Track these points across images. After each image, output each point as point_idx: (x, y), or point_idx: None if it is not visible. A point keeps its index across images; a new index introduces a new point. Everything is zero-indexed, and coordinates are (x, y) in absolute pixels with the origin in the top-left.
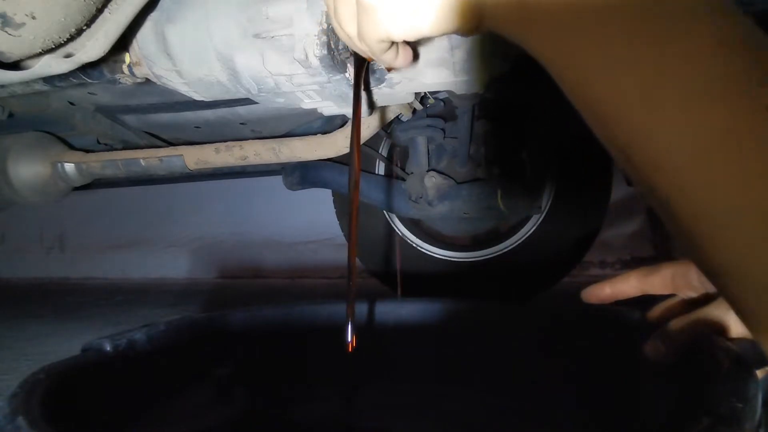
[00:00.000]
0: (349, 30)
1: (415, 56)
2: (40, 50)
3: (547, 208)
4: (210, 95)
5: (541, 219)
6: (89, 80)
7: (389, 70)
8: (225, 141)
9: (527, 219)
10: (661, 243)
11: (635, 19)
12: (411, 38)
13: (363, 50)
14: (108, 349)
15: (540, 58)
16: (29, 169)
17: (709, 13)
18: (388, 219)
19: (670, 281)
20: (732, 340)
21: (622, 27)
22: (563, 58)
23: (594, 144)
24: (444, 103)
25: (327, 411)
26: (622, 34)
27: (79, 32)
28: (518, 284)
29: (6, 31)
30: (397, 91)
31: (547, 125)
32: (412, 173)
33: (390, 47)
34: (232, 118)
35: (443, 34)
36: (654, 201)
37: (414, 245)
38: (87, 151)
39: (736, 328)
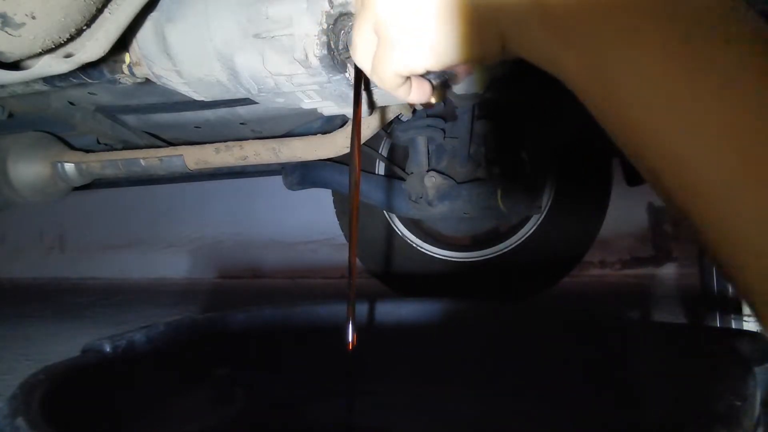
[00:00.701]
0: (363, 64)
1: (442, 90)
2: (40, 50)
3: (547, 208)
4: (210, 95)
5: (541, 219)
6: (89, 80)
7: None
8: (225, 141)
9: (527, 219)
10: (661, 243)
11: (679, 42)
12: (436, 68)
13: (377, 84)
14: (108, 350)
15: (568, 81)
16: (29, 169)
17: (753, 40)
18: (388, 219)
19: None
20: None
21: (663, 49)
22: (595, 80)
23: (594, 144)
24: (444, 103)
25: (327, 411)
26: (664, 58)
27: (79, 32)
28: (518, 284)
29: (6, 31)
30: None
31: (547, 125)
32: (412, 173)
33: (404, 82)
34: (232, 118)
35: (466, 63)
36: (685, 220)
37: (414, 245)
38: (87, 151)
39: None
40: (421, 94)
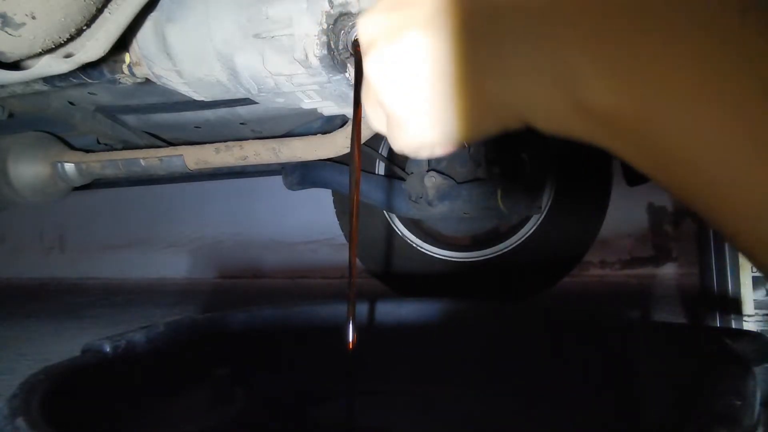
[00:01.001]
0: (380, 132)
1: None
2: (40, 50)
3: (547, 208)
4: (210, 95)
5: (541, 219)
6: (89, 80)
7: None
8: (225, 141)
9: (527, 219)
10: (661, 243)
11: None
12: (447, 145)
13: (398, 153)
14: (107, 350)
15: (619, 157)
16: (29, 169)
17: None
18: (388, 219)
19: None
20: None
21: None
22: (653, 156)
23: (593, 144)
24: None
25: (327, 411)
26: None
27: (79, 32)
28: (518, 284)
29: (6, 31)
30: None
31: None
32: (412, 173)
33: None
34: (232, 118)
35: (480, 139)
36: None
37: (414, 245)
38: (87, 151)
39: None
40: (448, 150)
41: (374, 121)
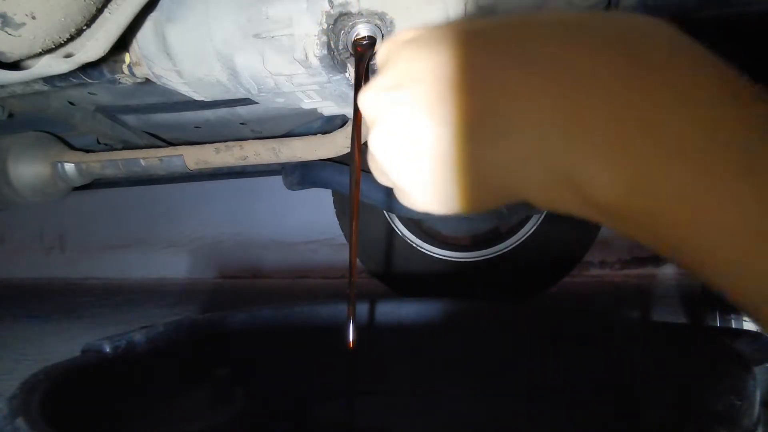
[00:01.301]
0: (387, 186)
1: None
2: (40, 50)
3: None
4: (210, 95)
5: (541, 219)
6: (89, 80)
7: None
8: (225, 141)
9: (527, 219)
10: None
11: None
12: (448, 213)
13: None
14: (107, 350)
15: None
16: (29, 169)
17: None
18: (388, 219)
19: None
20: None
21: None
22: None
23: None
24: None
25: (327, 411)
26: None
27: (79, 32)
28: (518, 284)
29: (6, 31)
30: None
31: None
32: None
33: None
34: (232, 118)
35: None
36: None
37: (414, 245)
38: (87, 151)
39: None
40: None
41: (380, 181)
